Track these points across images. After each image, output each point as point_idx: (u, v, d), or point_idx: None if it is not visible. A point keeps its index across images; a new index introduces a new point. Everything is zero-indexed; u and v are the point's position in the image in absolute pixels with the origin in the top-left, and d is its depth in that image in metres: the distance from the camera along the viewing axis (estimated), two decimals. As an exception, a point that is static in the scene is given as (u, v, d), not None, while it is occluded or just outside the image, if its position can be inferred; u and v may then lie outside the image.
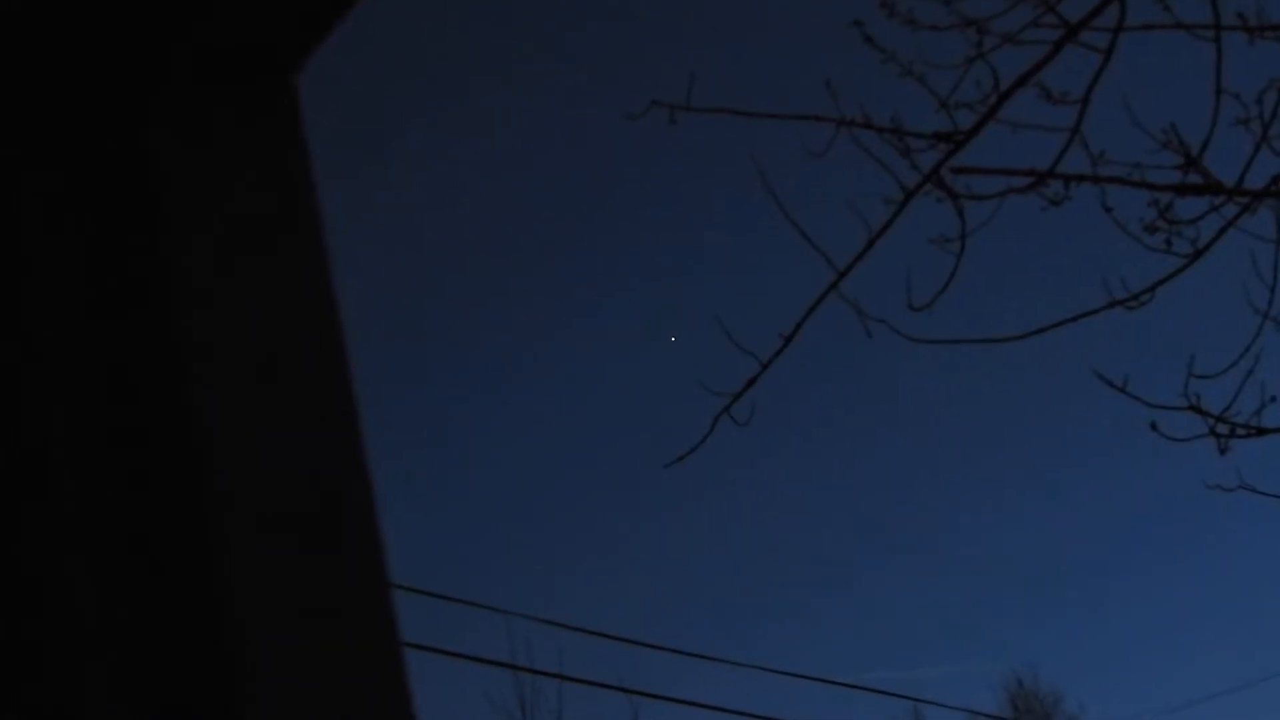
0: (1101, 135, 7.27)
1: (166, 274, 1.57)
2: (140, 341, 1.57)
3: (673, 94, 7.33)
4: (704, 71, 7.51)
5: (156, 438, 1.56)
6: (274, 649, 1.51)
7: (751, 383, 7.67)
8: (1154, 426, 7.29)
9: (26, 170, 1.59)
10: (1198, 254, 7.26)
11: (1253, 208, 7.20)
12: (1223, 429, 7.32)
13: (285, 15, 1.65)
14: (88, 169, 1.60)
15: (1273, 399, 7.30)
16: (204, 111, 1.64)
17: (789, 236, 7.41)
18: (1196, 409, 7.30)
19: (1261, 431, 7.33)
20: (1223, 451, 7.37)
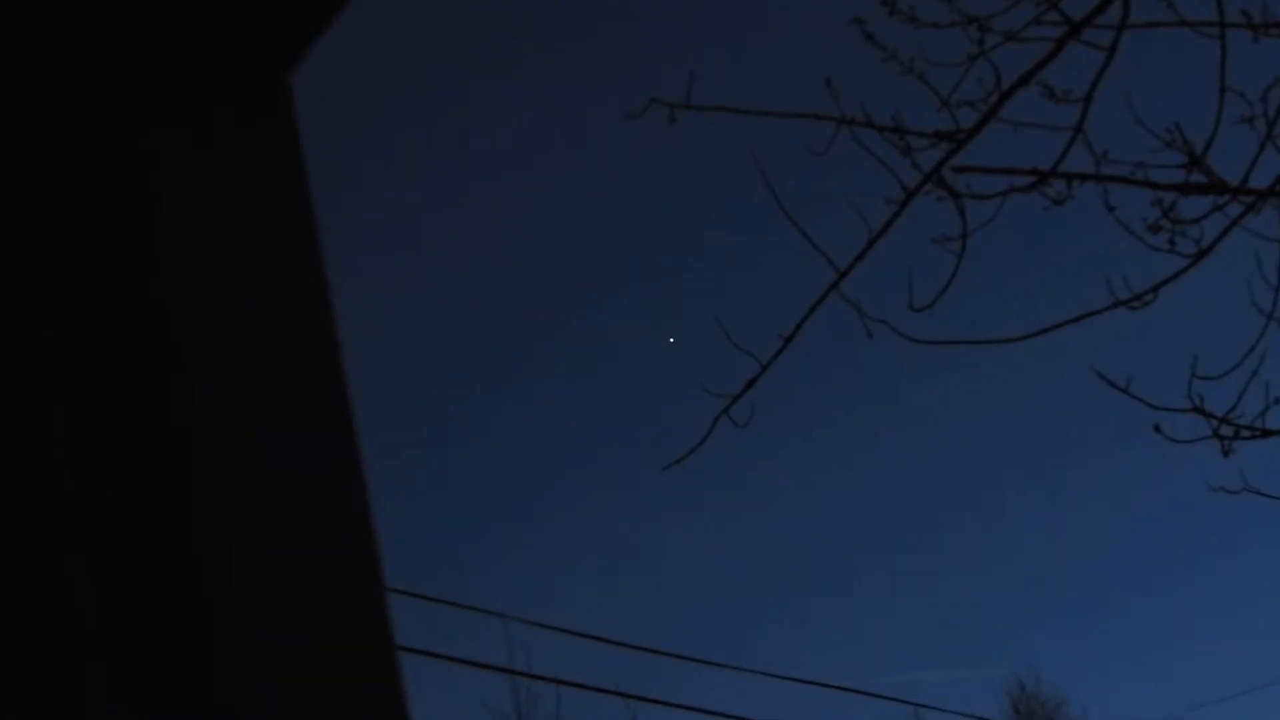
0: (1104, 134, 7.28)
1: (164, 274, 1.58)
2: (139, 341, 1.58)
3: (672, 93, 7.34)
4: (703, 70, 7.53)
5: (153, 438, 1.57)
6: (269, 651, 1.52)
7: (751, 384, 7.67)
8: (1157, 428, 7.29)
9: (26, 170, 1.60)
10: (1201, 254, 7.26)
11: (1257, 207, 7.21)
12: (1227, 431, 7.33)
13: (280, 15, 1.66)
14: (86, 169, 1.61)
15: (1277, 400, 7.31)
16: (201, 112, 1.65)
17: (789, 236, 7.42)
18: (1200, 410, 7.30)
19: (1266, 433, 7.34)
20: (1226, 453, 7.38)
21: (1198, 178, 7.23)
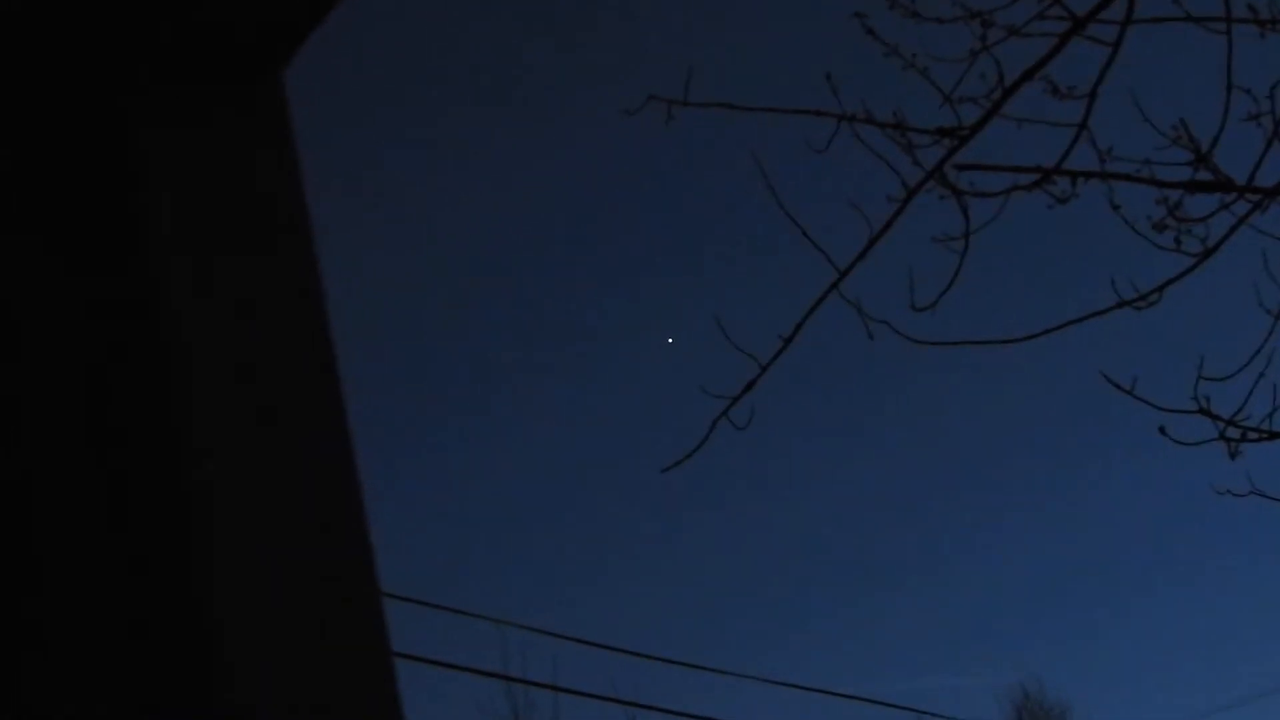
0: (1109, 131, 7.28)
1: (156, 272, 1.57)
2: (129, 342, 1.57)
3: (671, 90, 7.34)
4: (702, 66, 7.52)
5: (142, 441, 1.56)
6: (263, 658, 1.52)
7: (751, 385, 7.67)
8: (1163, 430, 7.29)
9: (10, 170, 1.60)
10: (1208, 253, 7.26)
11: (1264, 205, 7.21)
12: (1233, 433, 7.33)
13: (272, 10, 1.66)
14: (77, 164, 1.61)
15: (1285, 402, 7.30)
16: (190, 109, 1.65)
17: (789, 235, 7.42)
18: (1206, 412, 7.30)
19: (1273, 435, 7.33)
20: (1233, 456, 7.38)
21: (1204, 175, 7.23)
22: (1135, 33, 7.10)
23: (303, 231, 1.69)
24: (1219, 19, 7.03)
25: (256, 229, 1.66)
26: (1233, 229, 7.24)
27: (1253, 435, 7.34)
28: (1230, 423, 7.33)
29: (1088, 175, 7.28)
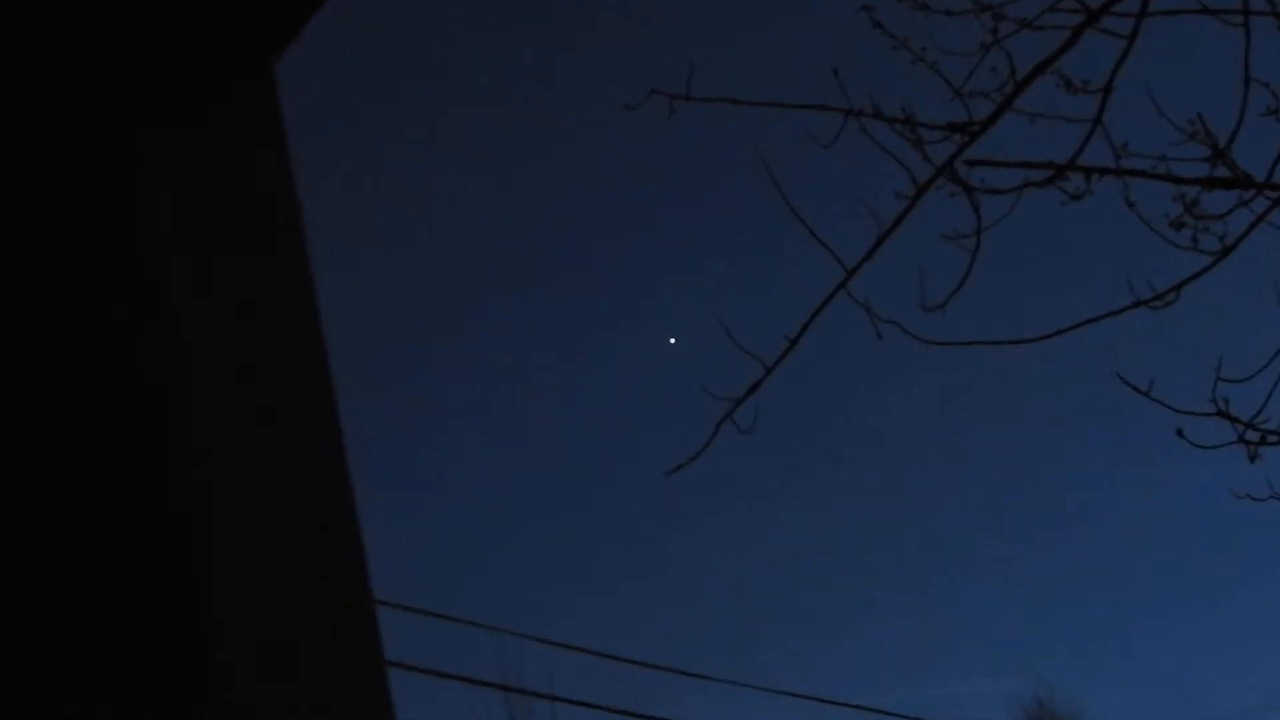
0: (1124, 126, 7.29)
1: (154, 274, 1.60)
2: (126, 343, 1.60)
3: (673, 84, 7.36)
4: (704, 61, 7.54)
5: (142, 441, 1.59)
6: (261, 658, 1.54)
7: (755, 387, 7.68)
8: (1180, 433, 7.30)
9: (10, 170, 1.62)
10: (1226, 251, 7.28)
11: (1284, 202, 7.22)
12: (1253, 435, 7.34)
13: (264, 10, 1.68)
14: (73, 168, 1.63)
15: (1305, 404, 7.31)
16: (188, 109, 1.67)
17: (795, 232, 7.43)
18: (1225, 414, 7.31)
19: (1293, 438, 7.35)
20: (1252, 459, 7.39)
21: (1222, 171, 7.24)
22: (1150, 25, 7.12)
23: (299, 231, 1.72)
24: (1236, 11, 7.05)
25: (255, 228, 1.69)
26: (1251, 226, 7.26)
27: (1272, 438, 7.36)
28: (1250, 425, 7.35)
29: (1102, 172, 7.30)
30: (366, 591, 1.63)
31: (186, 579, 1.58)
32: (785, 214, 7.41)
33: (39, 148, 1.66)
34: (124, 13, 1.64)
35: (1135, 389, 7.29)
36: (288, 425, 1.65)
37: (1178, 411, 7.30)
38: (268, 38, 1.71)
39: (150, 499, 1.60)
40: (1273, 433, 7.36)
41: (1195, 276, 7.31)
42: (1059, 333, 7.54)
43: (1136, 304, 7.33)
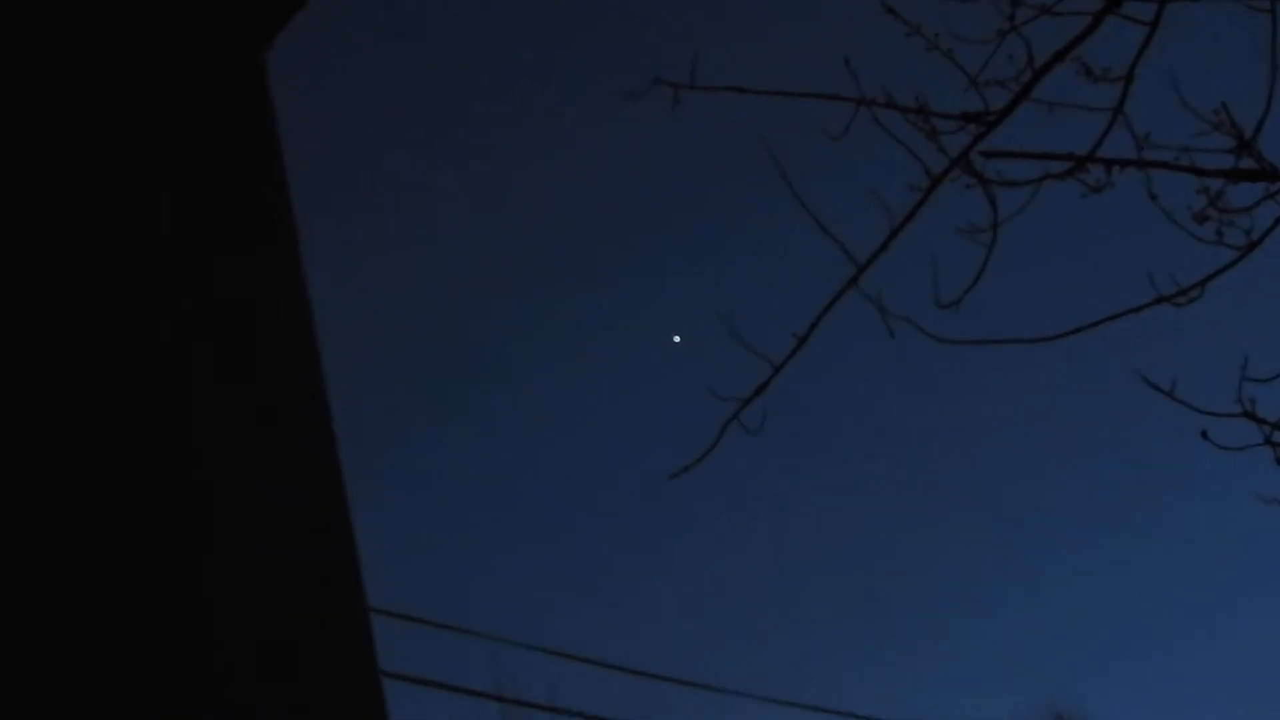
0: (1146, 116, 7.30)
1: (152, 274, 1.64)
2: (126, 344, 1.64)
3: (678, 74, 7.38)
4: (710, 48, 7.56)
5: (142, 441, 1.63)
6: (261, 658, 1.58)
7: (763, 387, 7.69)
8: (1204, 435, 7.31)
9: (10, 170, 1.66)
10: (1252, 246, 7.29)
11: (1312, 195, 7.24)
12: (1279, 437, 7.36)
13: (254, 9, 1.72)
14: (72, 169, 1.67)
15: (1334, 405, 7.33)
16: (179, 100, 1.71)
17: (804, 227, 7.45)
18: (1251, 415, 7.32)
19: (1321, 440, 7.36)
20: (1279, 461, 7.41)
21: (1247, 163, 7.25)
22: (1174, 11, 7.14)
23: (293, 230, 1.76)
24: (1263, -4, 7.07)
25: (252, 228, 1.73)
26: (1279, 220, 7.28)
27: (1300, 441, 7.37)
28: (1277, 426, 7.36)
29: (1123, 163, 7.31)
30: (360, 592, 1.67)
31: (186, 579, 1.62)
32: (793, 208, 7.42)
33: (39, 148, 1.70)
34: (124, 13, 1.68)
35: (1158, 389, 7.30)
36: (287, 426, 1.69)
37: (1202, 412, 7.30)
38: (260, 29, 1.75)
39: (151, 499, 1.64)
40: (1300, 434, 7.38)
41: (1220, 272, 7.32)
42: (1078, 330, 7.54)
43: (1159, 300, 7.34)
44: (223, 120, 1.75)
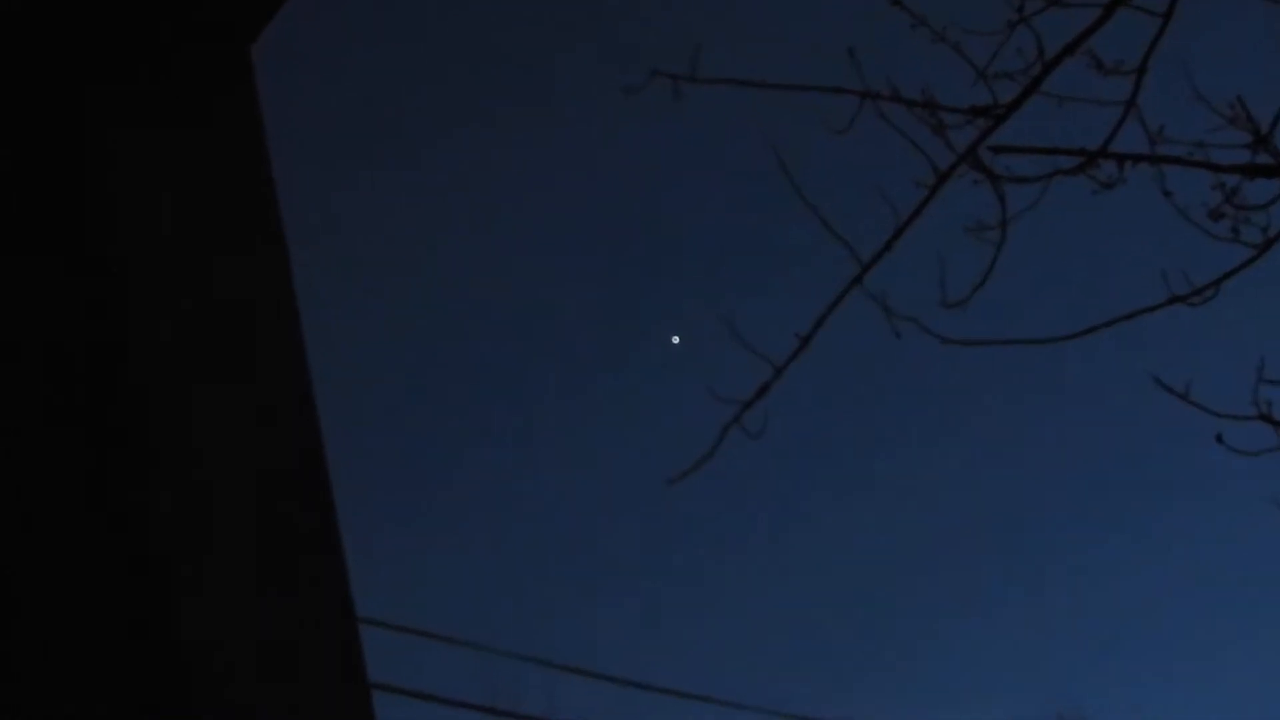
0: (1159, 110, 7.31)
1: (153, 273, 1.67)
2: (126, 343, 1.67)
3: (678, 67, 7.39)
4: (711, 43, 7.57)
5: (142, 441, 1.66)
6: (261, 658, 1.61)
7: (765, 389, 7.70)
8: (1219, 438, 7.32)
9: (11, 170, 1.69)
10: (1269, 243, 7.30)
11: (1329, 191, 7.25)
12: (1296, 442, 7.37)
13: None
14: (73, 170, 1.70)
15: (1352, 407, 7.34)
16: (178, 100, 1.74)
17: (807, 224, 7.46)
18: (1267, 418, 7.33)
19: (1339, 444, 7.37)
20: (1296, 466, 7.42)
21: (1264, 158, 7.27)
22: (1187, 2, 7.15)
23: (282, 228, 1.79)
24: (1278, -12, 7.09)
25: (250, 226, 1.77)
26: (1295, 217, 7.30)
27: (1318, 444, 7.39)
28: (1294, 430, 7.38)
29: (1136, 158, 7.32)
30: (347, 619, 1.70)
31: (186, 579, 1.65)
32: (796, 204, 7.44)
33: (39, 150, 1.73)
34: (124, 14, 1.71)
35: (1171, 391, 7.31)
36: (286, 426, 1.72)
37: (1217, 415, 7.31)
38: (249, 22, 1.78)
39: (150, 499, 1.67)
40: (1319, 438, 7.39)
41: (1236, 270, 7.33)
42: (1089, 331, 7.55)
43: (1173, 300, 7.35)
44: (216, 118, 1.78)
